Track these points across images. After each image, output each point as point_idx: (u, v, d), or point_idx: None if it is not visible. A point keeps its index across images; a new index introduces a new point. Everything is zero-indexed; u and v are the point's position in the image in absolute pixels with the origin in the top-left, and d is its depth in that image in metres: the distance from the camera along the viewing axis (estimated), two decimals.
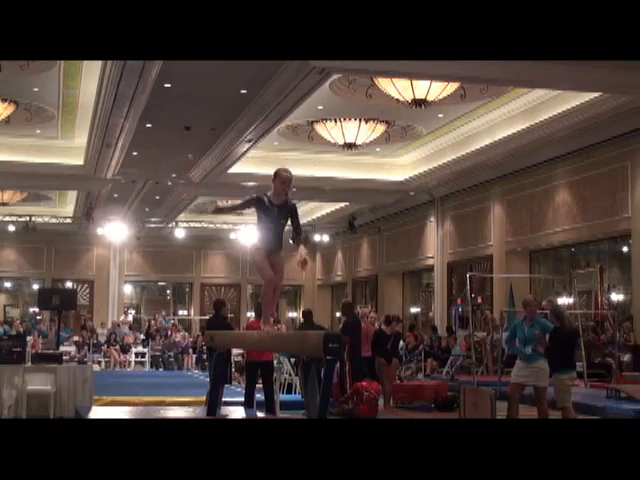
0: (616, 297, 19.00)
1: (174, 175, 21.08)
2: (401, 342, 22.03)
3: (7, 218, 26.61)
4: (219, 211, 11.68)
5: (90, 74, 14.69)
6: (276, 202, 6.74)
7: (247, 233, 27.59)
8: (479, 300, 22.07)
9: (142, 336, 27.32)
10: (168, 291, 35.02)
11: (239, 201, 7.18)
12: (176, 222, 27.95)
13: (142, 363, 26.36)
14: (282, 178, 6.74)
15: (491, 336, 16.80)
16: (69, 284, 30.18)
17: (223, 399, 11.64)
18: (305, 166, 20.57)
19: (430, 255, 24.25)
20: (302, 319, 14.09)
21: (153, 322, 28.70)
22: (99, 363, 24.62)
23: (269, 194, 6.78)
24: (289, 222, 6.89)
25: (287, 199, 6.85)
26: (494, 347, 17.44)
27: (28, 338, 19.82)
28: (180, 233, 28.14)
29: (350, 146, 17.93)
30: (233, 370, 16.03)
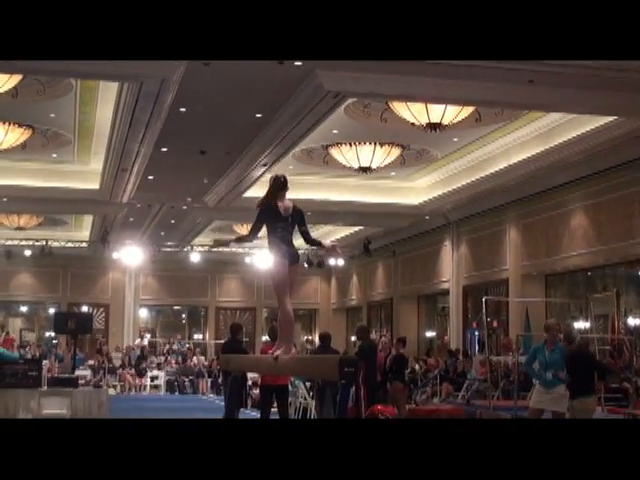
0: (633, 321, 18.86)
1: (189, 199, 21.14)
2: (417, 366, 22.08)
3: (23, 242, 26.71)
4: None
5: (106, 100, 14.75)
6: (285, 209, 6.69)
7: (262, 257, 27.63)
8: (495, 324, 21.97)
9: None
10: (183, 315, 35.04)
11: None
12: (191, 246, 28.01)
13: (157, 387, 26.38)
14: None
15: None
16: (85, 308, 30.22)
17: None
18: (320, 190, 20.60)
19: (445, 279, 24.17)
20: (319, 342, 14.04)
21: (168, 345, 28.85)
22: (114, 387, 24.64)
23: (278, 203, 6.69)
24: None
25: (293, 204, 6.78)
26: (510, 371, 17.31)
27: (44, 362, 19.84)
28: (195, 257, 28.17)
29: (365, 170, 17.91)
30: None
